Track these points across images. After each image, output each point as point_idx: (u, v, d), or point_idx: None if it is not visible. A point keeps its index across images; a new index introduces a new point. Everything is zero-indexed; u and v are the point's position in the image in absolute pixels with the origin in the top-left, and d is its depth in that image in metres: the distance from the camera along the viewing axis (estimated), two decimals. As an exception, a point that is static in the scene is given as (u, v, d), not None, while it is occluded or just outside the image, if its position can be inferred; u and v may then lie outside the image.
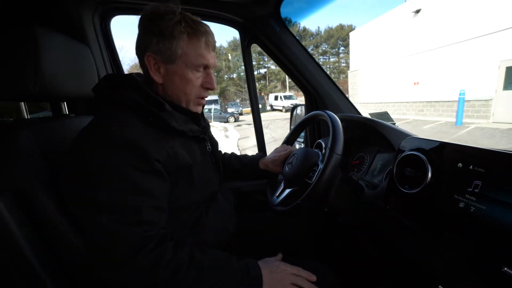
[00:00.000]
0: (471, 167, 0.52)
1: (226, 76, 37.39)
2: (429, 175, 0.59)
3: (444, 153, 0.59)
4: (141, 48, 0.61)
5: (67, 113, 0.83)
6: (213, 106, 17.83)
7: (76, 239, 0.57)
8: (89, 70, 0.82)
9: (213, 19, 1.19)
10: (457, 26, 8.89)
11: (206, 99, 0.71)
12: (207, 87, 0.66)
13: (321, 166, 0.74)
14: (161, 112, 0.58)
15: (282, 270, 0.62)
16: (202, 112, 0.78)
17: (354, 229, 0.95)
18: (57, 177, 0.59)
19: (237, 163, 0.97)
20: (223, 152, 1.01)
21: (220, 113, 17.95)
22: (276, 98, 23.10)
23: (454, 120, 8.69)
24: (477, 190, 0.49)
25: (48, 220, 0.55)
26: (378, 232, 0.82)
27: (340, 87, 1.30)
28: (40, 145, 0.59)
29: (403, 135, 0.83)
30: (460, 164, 0.54)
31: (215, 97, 22.11)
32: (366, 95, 14.18)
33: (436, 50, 9.80)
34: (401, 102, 11.65)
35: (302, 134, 1.53)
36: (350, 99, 1.31)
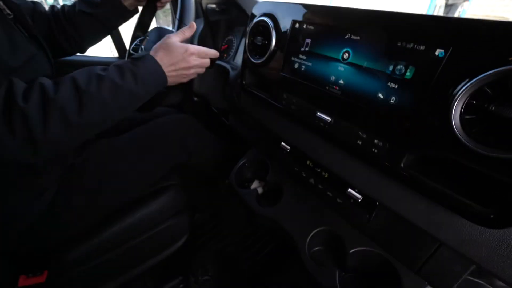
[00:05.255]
0: (305, 26, 0.52)
1: None
2: (273, 42, 0.57)
3: (286, 16, 0.56)
4: None
5: None
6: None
7: None
8: None
9: None
10: None
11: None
12: None
13: None
14: None
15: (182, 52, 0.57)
16: None
17: (226, 113, 0.97)
18: None
19: (87, 7, 0.72)
20: (59, 6, 0.73)
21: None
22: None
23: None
24: (307, 49, 0.51)
25: None
26: (243, 111, 0.85)
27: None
28: None
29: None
30: (297, 25, 0.53)
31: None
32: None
33: None
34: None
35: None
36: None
